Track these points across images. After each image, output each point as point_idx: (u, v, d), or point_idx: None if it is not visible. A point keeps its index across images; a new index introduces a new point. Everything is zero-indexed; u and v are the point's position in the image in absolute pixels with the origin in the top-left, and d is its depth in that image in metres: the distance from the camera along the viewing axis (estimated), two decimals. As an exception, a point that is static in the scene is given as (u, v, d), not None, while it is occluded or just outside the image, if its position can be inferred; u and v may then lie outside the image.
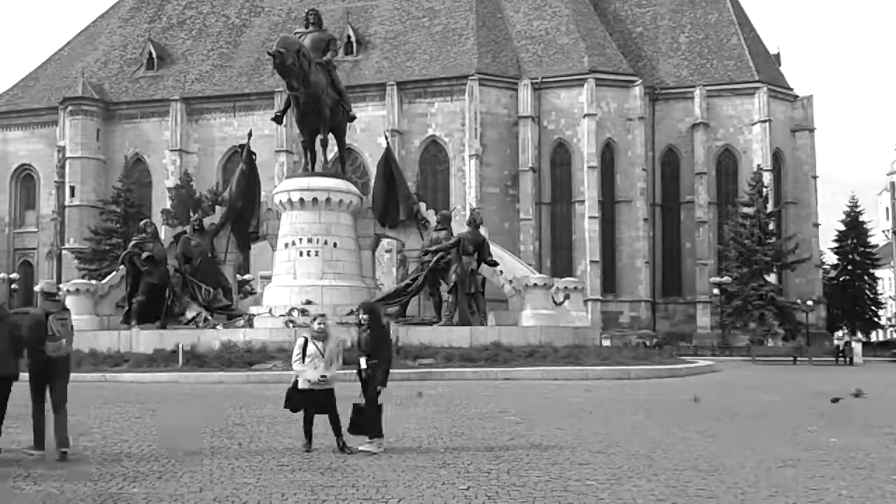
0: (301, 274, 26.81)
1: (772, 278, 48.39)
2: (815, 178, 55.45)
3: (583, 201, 50.58)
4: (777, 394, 18.34)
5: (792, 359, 37.25)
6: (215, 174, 54.16)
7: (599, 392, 17.37)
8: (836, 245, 62.42)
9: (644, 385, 19.21)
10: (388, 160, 29.23)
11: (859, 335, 54.32)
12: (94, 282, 30.79)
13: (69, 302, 28.24)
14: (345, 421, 9.69)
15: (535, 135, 51.52)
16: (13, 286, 50.34)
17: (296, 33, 28.60)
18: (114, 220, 49.53)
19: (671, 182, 54.19)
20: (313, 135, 27.83)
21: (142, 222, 29.99)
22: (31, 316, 9.70)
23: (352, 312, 26.20)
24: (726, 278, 46.62)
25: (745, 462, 9.05)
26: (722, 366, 30.17)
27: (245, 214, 29.13)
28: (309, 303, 26.03)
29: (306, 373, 9.77)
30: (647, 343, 42.98)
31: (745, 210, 48.64)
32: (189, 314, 26.69)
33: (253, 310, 28.15)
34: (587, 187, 50.34)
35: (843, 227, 62.38)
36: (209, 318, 26.57)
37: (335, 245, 27.09)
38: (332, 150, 30.12)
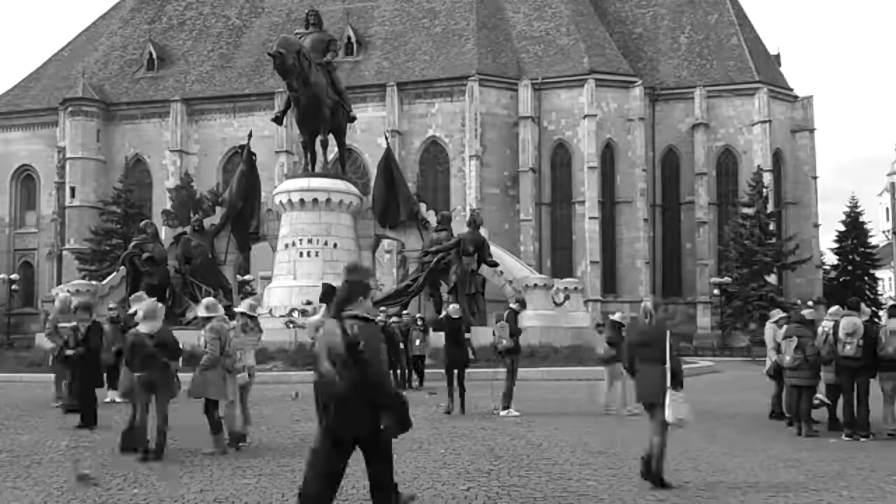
0: (301, 274, 26.83)
1: (772, 279, 48.33)
2: (815, 178, 55.38)
3: (583, 202, 50.53)
4: (777, 394, 18.32)
5: (792, 359, 37.16)
6: (215, 175, 54.09)
7: (600, 392, 17.35)
8: (836, 245, 62.37)
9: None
10: (388, 161, 29.26)
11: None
12: (94, 282, 30.81)
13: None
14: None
15: (535, 135, 51.48)
16: (13, 287, 50.34)
17: (296, 34, 28.63)
18: (114, 221, 49.49)
19: (671, 182, 54.12)
20: (313, 135, 27.84)
21: (142, 223, 30.01)
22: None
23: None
24: (726, 279, 46.59)
25: (745, 462, 9.06)
26: (722, 366, 30.15)
27: (245, 215, 29.15)
28: (309, 303, 26.00)
29: None
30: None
31: (746, 210, 48.58)
32: (189, 315, 26.69)
33: (253, 310, 28.15)
34: (587, 188, 50.31)
35: (843, 228, 62.34)
36: (209, 318, 26.56)
37: (335, 245, 27.10)
38: (333, 150, 30.13)
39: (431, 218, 28.29)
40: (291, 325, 24.93)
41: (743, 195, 50.23)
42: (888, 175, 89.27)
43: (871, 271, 62.52)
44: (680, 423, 7.61)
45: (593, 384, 19.08)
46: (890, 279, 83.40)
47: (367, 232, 28.71)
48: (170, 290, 26.88)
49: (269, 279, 29.71)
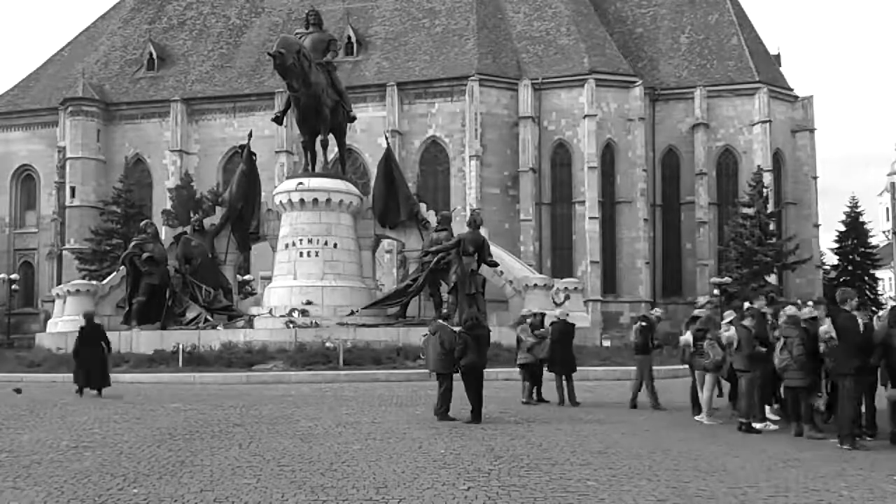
0: (301, 274, 26.81)
1: (772, 279, 48.31)
2: (815, 178, 55.33)
3: (583, 202, 50.49)
4: (777, 394, 18.31)
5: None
6: (216, 175, 54.05)
7: (600, 392, 17.38)
8: (836, 245, 62.36)
9: (644, 385, 19.19)
10: (388, 161, 29.23)
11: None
12: (94, 282, 30.81)
13: (69, 303, 28.34)
14: None
15: (535, 135, 51.45)
16: (13, 287, 50.34)
17: (296, 34, 28.61)
18: (114, 221, 49.45)
19: (671, 182, 54.07)
20: (313, 135, 27.83)
21: (142, 223, 30.00)
22: None
23: (353, 313, 26.33)
24: (726, 279, 46.55)
25: (745, 462, 9.06)
26: (722, 366, 30.09)
27: (245, 215, 29.13)
28: (309, 303, 26.05)
29: None
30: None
31: (746, 210, 48.53)
32: (189, 315, 26.72)
33: (253, 310, 28.17)
34: (587, 188, 50.27)
35: (843, 228, 62.33)
36: (209, 318, 26.59)
37: (335, 246, 27.09)
38: (333, 150, 30.11)
39: (431, 218, 28.26)
40: (291, 325, 24.95)
41: (743, 195, 50.19)
42: (888, 175, 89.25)
43: (872, 271, 62.51)
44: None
45: (592, 385, 19.09)
46: (890, 279, 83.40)
47: (367, 232, 28.69)
48: (170, 290, 26.89)
49: (269, 279, 29.70)
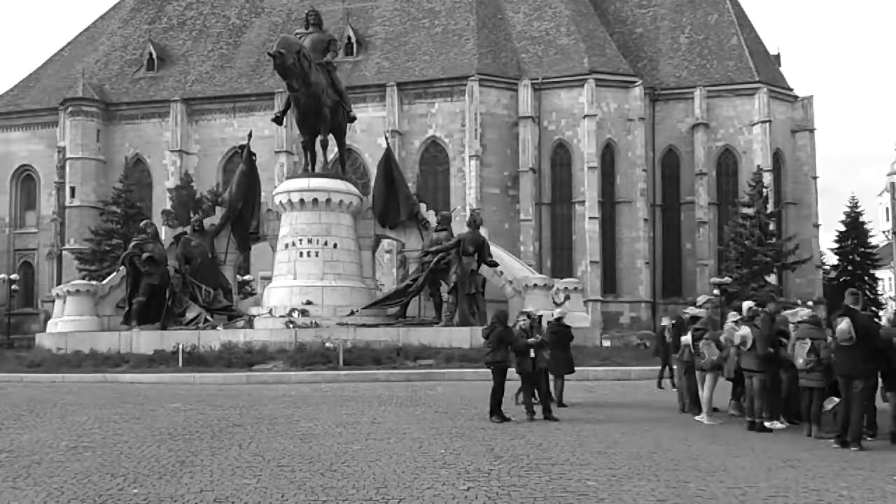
0: (301, 274, 26.81)
1: (772, 279, 48.29)
2: (815, 178, 55.34)
3: (583, 202, 50.50)
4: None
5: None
6: (216, 175, 54.07)
7: (600, 392, 17.39)
8: (836, 245, 62.35)
9: (645, 386, 19.24)
10: (388, 161, 29.22)
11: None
12: (94, 282, 30.79)
13: (69, 303, 28.34)
14: None
15: (535, 135, 51.46)
16: (13, 287, 50.34)
17: (296, 34, 28.60)
18: (114, 221, 49.45)
19: (671, 182, 54.09)
20: (313, 135, 27.82)
21: (142, 223, 29.98)
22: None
23: (353, 313, 26.33)
24: (726, 279, 46.53)
25: (745, 462, 9.06)
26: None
27: (245, 215, 29.11)
28: (309, 303, 26.05)
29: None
30: (647, 344, 42.78)
31: (746, 210, 48.52)
32: (189, 315, 26.71)
33: (253, 310, 28.15)
34: (587, 188, 50.28)
35: (843, 228, 62.32)
36: (209, 318, 26.59)
37: (335, 246, 27.09)
38: (333, 150, 30.12)
39: (431, 218, 28.25)
40: (291, 325, 24.95)
41: (743, 195, 50.20)
42: (888, 175, 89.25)
43: (871, 271, 62.49)
44: None
45: (592, 385, 19.11)
46: (890, 279, 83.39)
47: (367, 232, 28.69)
48: (170, 290, 26.88)
49: (269, 279, 29.68)
